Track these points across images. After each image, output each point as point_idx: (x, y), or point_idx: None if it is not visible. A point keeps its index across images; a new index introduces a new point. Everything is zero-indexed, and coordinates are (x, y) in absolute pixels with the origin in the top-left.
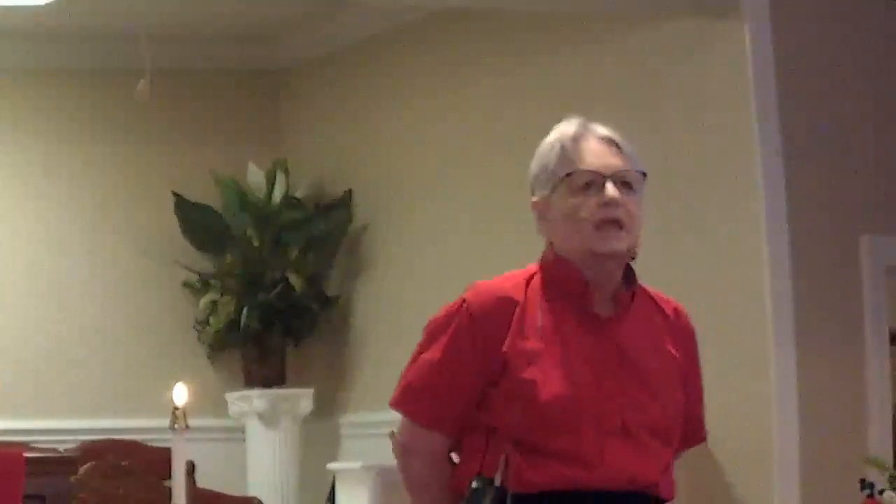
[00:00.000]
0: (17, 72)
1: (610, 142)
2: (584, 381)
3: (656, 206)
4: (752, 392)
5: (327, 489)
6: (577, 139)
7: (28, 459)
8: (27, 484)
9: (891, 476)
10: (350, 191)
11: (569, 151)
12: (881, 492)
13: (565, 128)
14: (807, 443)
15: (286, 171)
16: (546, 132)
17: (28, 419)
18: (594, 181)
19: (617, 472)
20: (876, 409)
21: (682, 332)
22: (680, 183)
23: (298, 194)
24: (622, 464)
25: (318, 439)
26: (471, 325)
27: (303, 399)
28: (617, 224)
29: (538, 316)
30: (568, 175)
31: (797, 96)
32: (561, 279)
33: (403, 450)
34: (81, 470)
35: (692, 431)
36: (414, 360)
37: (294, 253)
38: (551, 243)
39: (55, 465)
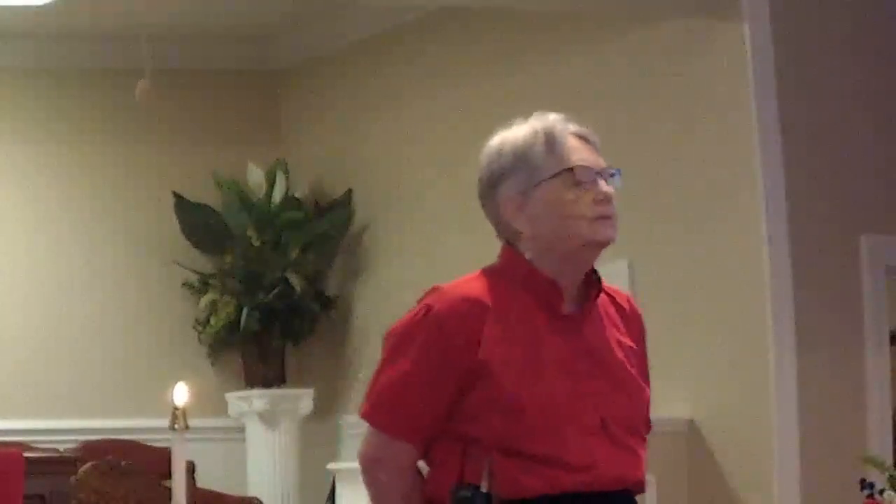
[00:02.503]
0: (17, 72)
1: (586, 139)
2: (561, 383)
3: (656, 205)
4: (752, 392)
5: (327, 489)
6: (562, 134)
7: (28, 459)
8: (27, 484)
9: (891, 476)
10: (350, 191)
11: (560, 146)
12: (881, 492)
13: (545, 122)
14: (807, 443)
15: (286, 171)
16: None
17: (28, 419)
18: (587, 177)
19: (607, 472)
20: (876, 409)
21: (635, 322)
22: (680, 183)
23: (298, 194)
24: (611, 464)
25: (318, 439)
26: (441, 332)
27: (303, 399)
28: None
29: (510, 320)
30: (567, 170)
31: (797, 96)
32: (530, 282)
33: (371, 462)
34: (81, 470)
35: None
36: (381, 371)
37: (294, 253)
38: (509, 243)
39: (55, 465)
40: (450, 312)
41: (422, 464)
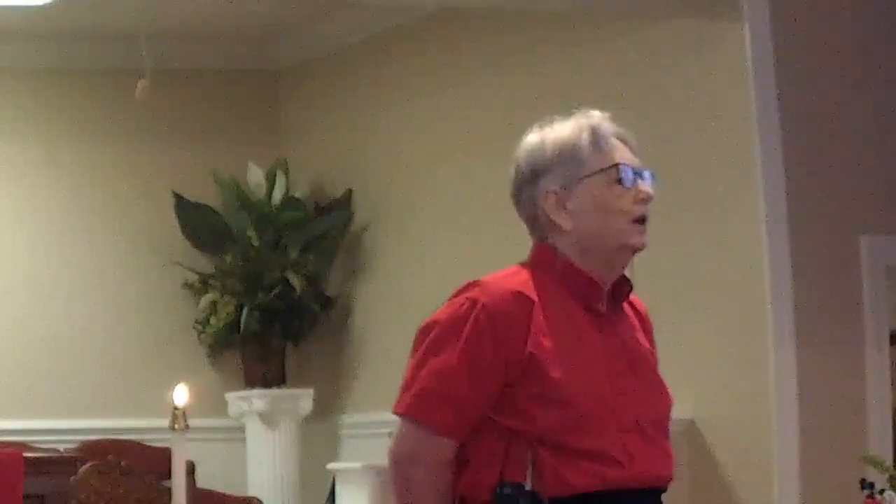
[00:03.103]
0: (17, 72)
1: (625, 139)
2: (599, 379)
3: (656, 205)
4: (752, 392)
5: (327, 489)
6: (607, 132)
7: (28, 459)
8: (27, 484)
9: (891, 476)
10: (350, 191)
11: (605, 143)
12: (881, 492)
13: (591, 119)
14: (807, 443)
15: (286, 171)
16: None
17: (28, 419)
18: (629, 176)
19: (645, 469)
20: (876, 409)
21: (648, 327)
22: (680, 183)
23: (298, 194)
24: (646, 461)
25: (318, 439)
26: (490, 326)
27: (303, 399)
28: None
29: (555, 315)
30: (613, 167)
31: (797, 96)
32: (569, 279)
33: (407, 459)
34: (81, 470)
35: None
36: (420, 364)
37: (294, 253)
38: (545, 239)
39: (55, 465)
40: (499, 305)
41: None
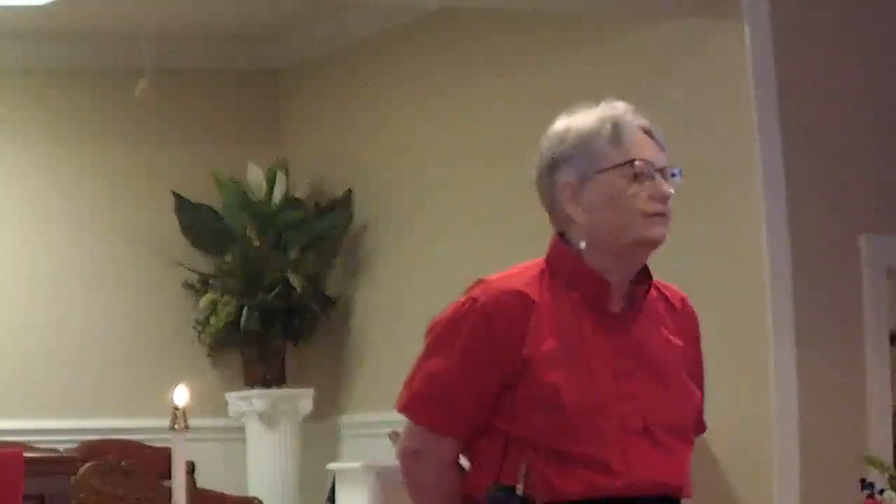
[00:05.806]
0: (17, 72)
1: (651, 134)
2: (604, 382)
3: None
4: (752, 392)
5: (327, 489)
6: (630, 125)
7: (28, 459)
8: (27, 484)
9: (891, 476)
10: (350, 191)
11: (626, 136)
12: (881, 492)
13: (614, 111)
14: (807, 443)
15: (286, 171)
16: (545, 132)
17: (27, 419)
18: (647, 172)
19: (644, 477)
20: (876, 409)
21: (687, 321)
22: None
23: (298, 194)
24: (649, 468)
25: (318, 439)
26: (487, 326)
27: (303, 399)
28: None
29: (555, 316)
30: (629, 163)
31: (797, 96)
32: (577, 278)
33: (411, 455)
34: (81, 470)
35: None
36: (421, 363)
37: (294, 253)
38: (561, 234)
39: (55, 465)
40: (496, 306)
41: (463, 459)
